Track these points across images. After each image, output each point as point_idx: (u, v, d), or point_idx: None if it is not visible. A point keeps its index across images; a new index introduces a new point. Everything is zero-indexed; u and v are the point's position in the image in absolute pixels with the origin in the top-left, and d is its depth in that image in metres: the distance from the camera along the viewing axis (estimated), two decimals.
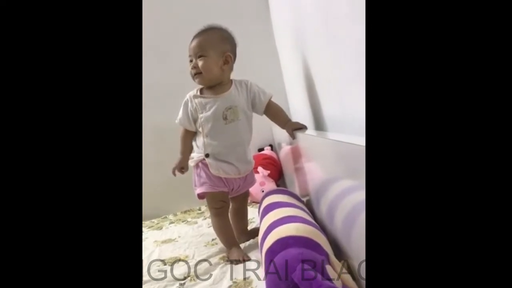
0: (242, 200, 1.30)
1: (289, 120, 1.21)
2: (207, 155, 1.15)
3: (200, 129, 1.16)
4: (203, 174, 1.17)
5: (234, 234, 1.20)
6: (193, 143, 1.21)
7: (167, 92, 1.88)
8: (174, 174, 1.21)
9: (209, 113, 1.13)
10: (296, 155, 1.33)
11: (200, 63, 1.11)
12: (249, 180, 1.26)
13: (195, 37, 1.14)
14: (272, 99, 1.21)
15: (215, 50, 1.12)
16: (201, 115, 1.14)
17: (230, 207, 1.25)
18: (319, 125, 1.13)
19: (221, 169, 1.16)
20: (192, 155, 1.21)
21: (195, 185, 1.20)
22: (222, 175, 1.16)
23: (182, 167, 1.20)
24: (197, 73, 1.13)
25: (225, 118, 1.13)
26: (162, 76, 1.89)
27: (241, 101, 1.16)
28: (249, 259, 1.08)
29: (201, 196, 1.18)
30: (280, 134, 1.44)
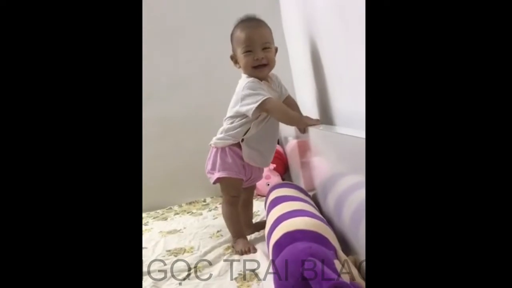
0: (250, 192, 1.32)
1: (301, 114, 1.22)
2: (242, 140, 1.17)
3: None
4: (229, 159, 1.16)
5: (242, 226, 1.21)
6: (227, 125, 1.18)
7: (173, 84, 1.88)
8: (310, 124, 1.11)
9: None
10: (302, 149, 1.33)
11: (269, 55, 1.14)
12: (262, 172, 1.30)
13: (252, 27, 1.13)
14: None
15: (273, 43, 1.17)
16: None
17: None
18: (329, 119, 1.13)
19: (251, 158, 1.18)
20: (220, 137, 1.18)
21: (214, 169, 1.18)
22: (251, 163, 1.19)
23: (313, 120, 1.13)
24: (263, 65, 1.13)
25: None
26: (168, 68, 1.89)
27: (277, 93, 1.22)
28: (255, 251, 1.08)
29: (218, 181, 1.18)
30: (287, 128, 1.44)
